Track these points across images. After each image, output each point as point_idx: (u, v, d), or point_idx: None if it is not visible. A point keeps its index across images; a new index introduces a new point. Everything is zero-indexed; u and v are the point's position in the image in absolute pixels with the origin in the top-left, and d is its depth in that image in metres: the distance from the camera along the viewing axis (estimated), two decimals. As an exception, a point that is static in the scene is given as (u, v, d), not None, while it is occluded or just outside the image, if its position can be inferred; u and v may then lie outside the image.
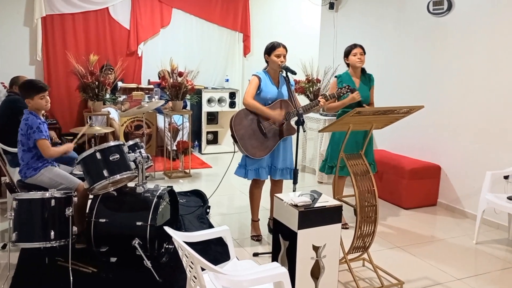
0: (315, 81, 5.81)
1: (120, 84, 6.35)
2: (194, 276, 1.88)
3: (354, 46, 3.77)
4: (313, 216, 2.49)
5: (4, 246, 3.28)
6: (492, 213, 3.91)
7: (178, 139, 6.05)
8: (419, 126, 4.77)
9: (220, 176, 5.48)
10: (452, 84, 4.47)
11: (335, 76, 3.87)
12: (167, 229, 1.97)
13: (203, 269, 1.84)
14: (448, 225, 4.17)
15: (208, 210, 4.21)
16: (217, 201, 4.42)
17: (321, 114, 5.50)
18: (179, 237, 1.90)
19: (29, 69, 6.22)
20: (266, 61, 3.47)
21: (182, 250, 1.90)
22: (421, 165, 4.58)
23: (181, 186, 5.10)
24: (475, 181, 4.18)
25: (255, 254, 3.32)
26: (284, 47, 3.39)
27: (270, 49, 3.39)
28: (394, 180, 4.60)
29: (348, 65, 3.82)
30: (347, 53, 3.79)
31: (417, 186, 4.51)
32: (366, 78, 3.85)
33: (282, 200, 2.58)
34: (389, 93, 4.99)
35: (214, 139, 7.11)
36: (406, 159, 4.74)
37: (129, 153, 3.07)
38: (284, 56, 3.37)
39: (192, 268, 1.87)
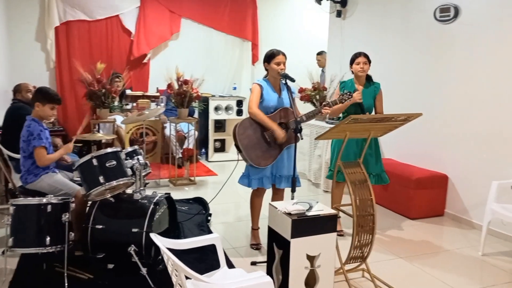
0: (321, 89, 5.77)
1: (128, 91, 6.42)
2: (179, 284, 1.86)
3: (358, 54, 3.73)
4: (306, 224, 2.45)
5: (4, 252, 3.30)
6: (500, 224, 3.80)
7: (184, 146, 6.07)
8: (426, 135, 4.68)
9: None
10: (458, 93, 4.38)
11: (340, 82, 3.85)
12: (153, 235, 1.95)
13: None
14: (454, 236, 4.06)
15: (209, 218, 4.19)
16: (222, 209, 4.40)
17: (327, 122, 5.45)
18: (164, 244, 1.89)
19: (42, 77, 6.34)
20: (266, 69, 3.45)
21: (167, 257, 1.88)
22: (428, 175, 4.48)
23: (186, 193, 5.10)
24: (483, 191, 4.06)
25: (253, 263, 3.28)
26: (284, 55, 3.35)
27: (270, 57, 3.36)
28: (400, 189, 4.51)
29: (353, 72, 3.80)
30: (351, 61, 3.77)
31: (424, 196, 4.41)
32: (371, 86, 3.81)
33: (276, 208, 2.55)
34: (394, 101, 4.91)
35: (221, 147, 7.11)
36: (412, 168, 4.65)
37: (126, 159, 3.08)
38: (284, 64, 3.34)
39: (177, 276, 1.85)
